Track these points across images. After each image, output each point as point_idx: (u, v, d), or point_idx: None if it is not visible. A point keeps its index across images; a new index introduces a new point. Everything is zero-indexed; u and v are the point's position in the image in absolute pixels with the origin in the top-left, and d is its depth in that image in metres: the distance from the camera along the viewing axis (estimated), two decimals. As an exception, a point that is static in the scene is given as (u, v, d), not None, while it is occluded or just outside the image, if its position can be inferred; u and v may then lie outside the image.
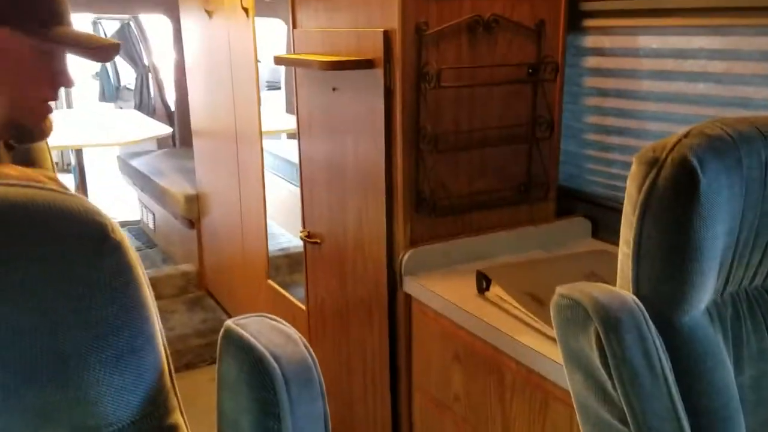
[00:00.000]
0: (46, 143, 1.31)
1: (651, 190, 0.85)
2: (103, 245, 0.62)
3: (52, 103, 1.04)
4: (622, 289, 0.88)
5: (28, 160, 1.24)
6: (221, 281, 3.18)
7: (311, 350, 0.70)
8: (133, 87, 5.41)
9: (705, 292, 0.86)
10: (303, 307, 2.15)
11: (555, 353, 1.11)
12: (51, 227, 0.60)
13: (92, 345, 0.62)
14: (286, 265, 3.08)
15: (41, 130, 1.03)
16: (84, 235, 0.61)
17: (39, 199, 0.61)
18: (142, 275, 0.66)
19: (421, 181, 1.51)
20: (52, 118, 1.05)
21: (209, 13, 2.68)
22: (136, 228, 4.35)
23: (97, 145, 3.72)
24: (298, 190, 1.98)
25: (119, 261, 0.62)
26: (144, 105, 4.99)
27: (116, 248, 0.62)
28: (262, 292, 2.64)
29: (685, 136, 0.86)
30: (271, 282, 2.56)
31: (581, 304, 0.83)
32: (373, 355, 1.72)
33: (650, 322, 0.82)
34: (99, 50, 1.01)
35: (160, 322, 0.70)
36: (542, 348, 1.19)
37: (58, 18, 0.97)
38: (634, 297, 0.84)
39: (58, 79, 1.01)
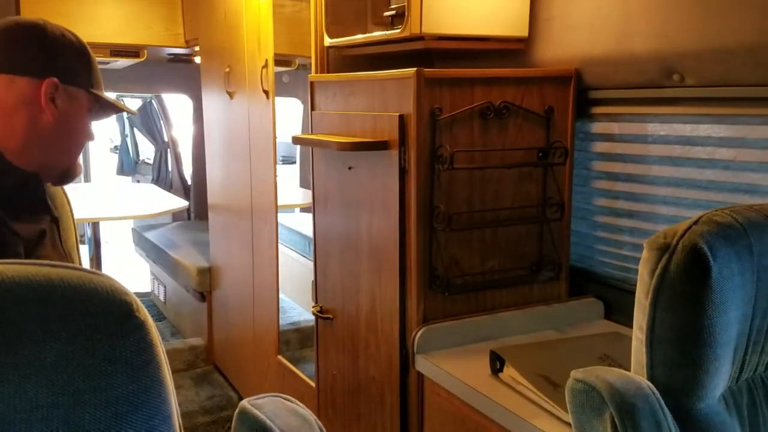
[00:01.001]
0: (70, 205, 1.39)
1: (663, 276, 0.87)
2: (127, 324, 0.63)
3: None
4: (636, 374, 0.88)
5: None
6: (230, 356, 3.15)
7: (326, 432, 0.70)
8: (151, 161, 5.55)
9: (720, 379, 0.86)
10: (313, 384, 2.13)
11: (570, 439, 1.09)
12: (79, 305, 0.62)
13: (111, 423, 0.62)
14: (296, 339, 3.07)
15: (77, 174, 1.27)
16: (109, 313, 0.63)
17: (67, 277, 0.63)
18: (163, 354, 0.67)
19: (434, 258, 1.53)
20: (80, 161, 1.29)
21: (230, 95, 2.79)
22: (146, 300, 4.35)
23: (112, 219, 3.79)
24: (309, 262, 2.01)
25: (142, 340, 0.64)
26: (162, 179, 5.10)
27: (139, 327, 0.64)
28: (271, 368, 2.62)
29: (695, 223, 0.88)
30: (281, 358, 2.54)
31: (596, 389, 0.83)
32: (383, 436, 1.68)
33: (666, 409, 0.82)
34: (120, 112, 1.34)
35: (176, 402, 0.71)
36: (557, 433, 1.17)
37: (102, 85, 1.24)
38: (649, 383, 0.84)
39: (90, 135, 1.26)
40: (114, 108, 1.27)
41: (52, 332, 0.60)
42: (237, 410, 0.71)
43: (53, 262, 0.64)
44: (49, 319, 0.60)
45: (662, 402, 0.82)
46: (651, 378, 0.87)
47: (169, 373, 0.68)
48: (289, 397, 0.76)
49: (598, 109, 1.65)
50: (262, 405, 0.72)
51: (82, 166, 1.27)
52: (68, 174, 1.24)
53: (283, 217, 3.59)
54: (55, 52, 1.15)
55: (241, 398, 3.00)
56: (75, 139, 1.21)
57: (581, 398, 0.85)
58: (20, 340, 0.59)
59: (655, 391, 0.82)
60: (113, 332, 0.62)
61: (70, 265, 0.64)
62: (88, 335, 0.61)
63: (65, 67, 1.15)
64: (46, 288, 0.61)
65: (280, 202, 2.51)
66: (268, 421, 0.68)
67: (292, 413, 0.72)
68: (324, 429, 0.71)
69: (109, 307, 0.63)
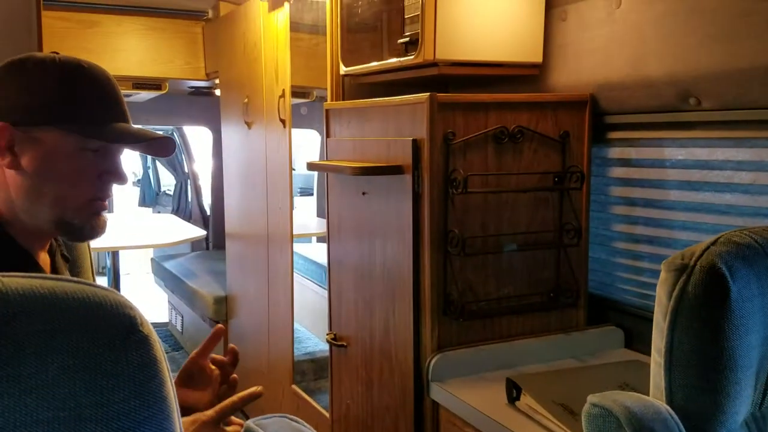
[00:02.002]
0: (87, 244, 1.33)
1: (681, 297, 0.84)
2: (131, 338, 0.62)
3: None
4: (655, 398, 0.85)
5: (71, 259, 1.27)
6: (244, 386, 3.12)
7: (332, 453, 0.68)
8: (171, 192, 5.61)
9: (742, 404, 0.82)
10: (327, 414, 2.10)
11: (588, 468, 1.05)
12: (82, 319, 0.61)
13: (112, 439, 0.61)
14: (311, 370, 3.04)
15: (91, 228, 1.01)
16: (112, 327, 0.62)
17: (71, 290, 0.63)
18: (167, 370, 0.66)
19: (448, 284, 1.51)
20: (106, 216, 1.04)
21: (248, 125, 2.82)
22: (163, 330, 4.36)
23: (132, 248, 3.82)
24: (326, 292, 1.99)
25: (145, 355, 0.63)
26: (182, 209, 5.15)
27: (143, 342, 0.63)
28: (286, 398, 2.59)
29: (713, 243, 0.86)
30: (295, 387, 2.52)
31: (613, 414, 0.80)
32: (397, 468, 1.64)
33: (686, 435, 0.78)
34: (153, 145, 1.04)
35: (180, 420, 0.69)
36: (575, 463, 1.13)
37: (105, 118, 0.99)
38: (668, 407, 0.81)
39: (107, 177, 1.01)
40: (126, 137, 1.00)
41: (55, 345, 0.60)
42: (242, 430, 0.70)
43: (59, 276, 0.64)
44: (52, 332, 0.60)
45: (681, 427, 0.79)
46: (670, 402, 0.84)
47: (174, 390, 0.67)
48: (295, 417, 0.74)
49: (614, 134, 1.64)
50: (267, 425, 0.70)
51: (106, 221, 1.04)
52: (73, 230, 1.01)
53: (299, 247, 3.60)
54: (10, 91, 0.95)
55: (255, 429, 2.96)
56: (55, 186, 0.97)
57: (598, 423, 0.82)
58: (22, 353, 0.59)
59: (674, 416, 0.79)
60: (116, 346, 0.62)
61: (75, 279, 0.64)
62: (90, 349, 0.61)
63: (21, 106, 0.95)
64: (49, 300, 0.61)
65: (296, 232, 2.52)
66: (272, 441, 0.67)
67: (298, 433, 0.70)
68: (330, 450, 0.69)
69: (112, 321, 0.62)
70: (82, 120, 0.97)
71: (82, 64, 0.99)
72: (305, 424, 0.72)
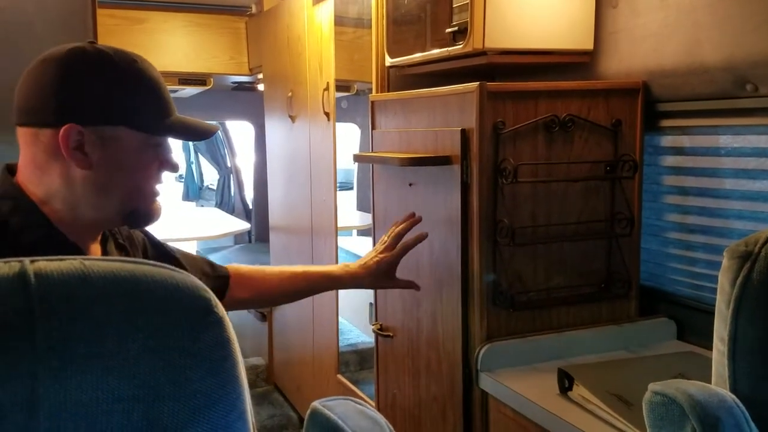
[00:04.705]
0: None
1: (745, 285, 0.83)
2: (206, 319, 0.65)
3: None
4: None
5: (128, 248, 1.31)
6: (290, 375, 3.18)
7: (397, 435, 0.70)
8: (214, 187, 5.71)
9: (812, 393, 0.81)
10: (373, 403, 2.12)
11: (646, 458, 1.04)
12: (161, 300, 0.63)
13: (189, 417, 0.63)
14: (354, 361, 3.06)
15: (153, 214, 1.10)
16: (190, 308, 0.64)
17: (150, 273, 0.65)
18: (239, 351, 0.68)
19: (498, 274, 1.51)
20: (160, 202, 1.11)
21: (292, 118, 2.85)
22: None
23: (180, 240, 3.90)
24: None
25: (220, 335, 0.65)
26: (225, 203, 5.24)
27: (218, 323, 0.65)
28: (331, 387, 2.62)
29: (778, 229, 0.85)
30: (340, 377, 2.55)
31: (677, 402, 0.79)
32: (446, 457, 1.65)
33: (752, 423, 0.77)
34: (203, 134, 1.11)
35: (250, 399, 0.71)
36: (631, 453, 1.12)
37: (165, 112, 1.05)
38: (733, 395, 0.80)
39: (165, 166, 1.09)
40: (184, 132, 1.08)
41: (135, 326, 0.62)
42: (308, 411, 0.72)
43: (137, 259, 0.66)
44: (132, 313, 0.62)
45: (747, 415, 0.78)
46: (734, 391, 0.83)
47: (244, 371, 0.69)
48: (358, 400, 0.75)
49: (667, 122, 1.61)
50: (333, 406, 0.72)
51: (161, 207, 1.12)
52: (139, 216, 1.07)
53: (341, 240, 3.62)
54: (77, 91, 0.98)
55: (300, 418, 3.01)
56: (125, 181, 1.03)
57: (660, 411, 0.82)
58: (105, 333, 0.61)
59: (740, 404, 0.78)
60: (193, 327, 0.64)
61: (152, 262, 0.66)
62: (169, 330, 0.63)
63: (90, 107, 0.98)
64: (130, 283, 0.63)
65: (338, 225, 2.54)
66: (340, 422, 0.68)
67: (363, 415, 0.71)
68: (394, 431, 0.70)
69: (189, 303, 0.64)
70: (146, 116, 1.02)
71: (135, 58, 1.03)
72: (368, 405, 0.74)
